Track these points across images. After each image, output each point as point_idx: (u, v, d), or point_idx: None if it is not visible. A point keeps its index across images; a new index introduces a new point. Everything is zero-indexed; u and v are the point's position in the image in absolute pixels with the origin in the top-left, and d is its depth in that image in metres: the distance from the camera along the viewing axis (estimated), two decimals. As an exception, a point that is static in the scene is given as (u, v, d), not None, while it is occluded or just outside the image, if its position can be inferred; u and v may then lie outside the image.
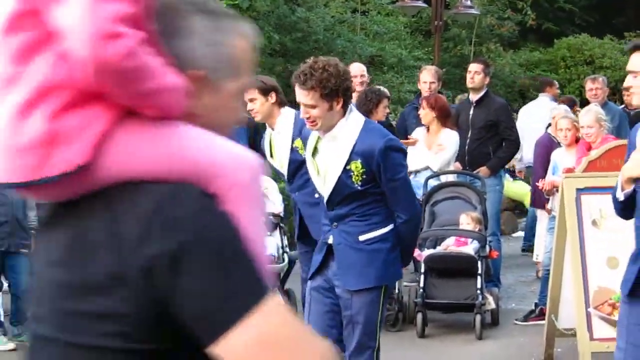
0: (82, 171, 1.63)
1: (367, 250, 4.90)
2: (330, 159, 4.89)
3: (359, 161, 4.79)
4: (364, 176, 4.80)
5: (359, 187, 4.83)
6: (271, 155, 7.16)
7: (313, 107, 4.77)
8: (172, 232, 1.60)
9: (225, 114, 1.82)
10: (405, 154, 5.13)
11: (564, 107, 10.26)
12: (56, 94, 1.62)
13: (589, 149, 7.94)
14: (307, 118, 4.83)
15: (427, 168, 8.92)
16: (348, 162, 4.81)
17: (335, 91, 4.75)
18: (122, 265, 1.61)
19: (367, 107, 8.28)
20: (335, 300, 5.01)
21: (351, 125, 4.87)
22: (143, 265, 1.60)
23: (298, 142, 6.59)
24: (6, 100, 1.64)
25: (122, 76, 1.61)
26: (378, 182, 4.84)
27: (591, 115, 8.07)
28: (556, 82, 13.88)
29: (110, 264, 1.62)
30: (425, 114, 8.95)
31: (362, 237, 4.91)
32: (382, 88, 9.41)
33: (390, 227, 4.94)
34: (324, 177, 4.90)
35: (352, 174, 4.81)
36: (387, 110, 8.45)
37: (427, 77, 9.88)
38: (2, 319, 7.96)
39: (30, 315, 1.86)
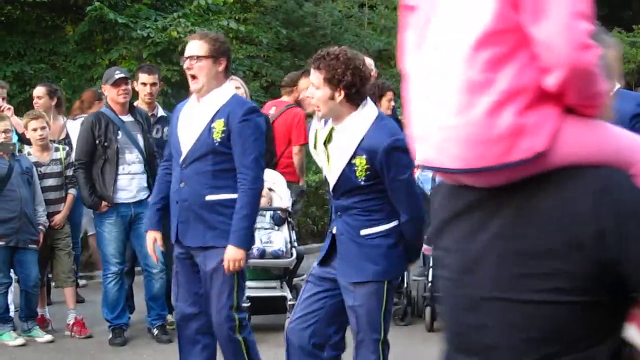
0: (537, 158, 1.99)
1: (368, 245, 4.92)
2: (338, 150, 4.90)
3: (363, 157, 4.79)
4: (368, 172, 4.80)
5: (362, 183, 4.83)
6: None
7: (317, 88, 4.82)
8: (618, 207, 1.97)
9: (606, 111, 2.15)
10: (410, 155, 5.07)
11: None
12: (521, 95, 1.98)
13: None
14: (311, 99, 4.90)
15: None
16: (353, 157, 4.81)
17: (338, 81, 4.75)
18: (578, 235, 1.96)
19: (372, 97, 8.25)
20: (328, 289, 5.04)
21: (362, 120, 4.87)
22: (597, 234, 1.95)
23: None
24: (480, 102, 1.98)
25: (587, 80, 1.98)
26: (382, 179, 4.84)
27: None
28: None
29: (567, 234, 1.97)
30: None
31: (363, 232, 4.92)
32: (385, 81, 9.37)
33: (393, 223, 4.94)
34: (331, 166, 4.91)
35: (356, 168, 4.81)
36: (393, 104, 8.39)
37: None
38: (12, 315, 7.99)
39: (449, 280, 2.21)
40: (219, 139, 5.42)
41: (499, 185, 2.06)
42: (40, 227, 7.93)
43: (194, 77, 5.49)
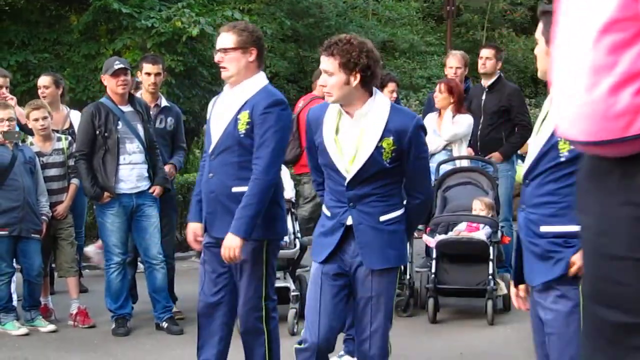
0: None
1: (387, 231, 4.93)
2: (362, 136, 4.90)
3: (391, 138, 4.82)
4: (393, 154, 4.84)
5: (388, 165, 4.85)
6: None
7: (331, 74, 4.81)
8: None
9: None
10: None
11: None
12: (639, 78, 2.16)
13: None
14: (324, 87, 4.90)
15: (439, 151, 8.93)
16: (381, 139, 4.84)
17: (354, 64, 4.77)
18: None
19: None
20: (346, 285, 5.01)
21: (381, 104, 4.91)
22: None
23: None
24: (603, 82, 2.18)
25: None
26: (403, 161, 4.89)
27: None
28: None
29: None
30: (443, 98, 8.94)
31: (382, 218, 4.93)
32: (390, 72, 9.37)
33: (403, 209, 4.99)
34: (352, 155, 4.91)
35: (383, 150, 4.83)
36: (395, 95, 8.38)
37: (454, 62, 9.85)
38: (15, 304, 8.00)
39: (588, 241, 2.39)
40: (243, 131, 5.40)
41: (627, 155, 2.26)
42: (43, 217, 7.93)
43: (224, 67, 5.50)
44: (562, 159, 3.90)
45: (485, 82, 9.59)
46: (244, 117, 5.40)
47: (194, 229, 5.78)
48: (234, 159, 5.46)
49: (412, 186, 4.99)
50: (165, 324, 7.81)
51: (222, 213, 5.50)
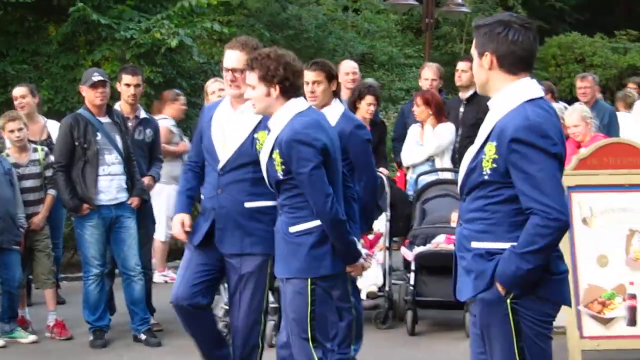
0: None
1: (294, 242, 5.02)
2: (264, 146, 5.13)
3: (277, 151, 4.95)
4: (283, 166, 4.94)
5: (281, 177, 4.96)
6: None
7: (253, 87, 5.03)
8: None
9: None
10: (316, 149, 4.95)
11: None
12: None
13: (579, 146, 7.97)
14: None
15: (422, 163, 8.97)
16: (272, 151, 4.99)
17: (272, 77, 4.97)
18: None
19: (352, 99, 8.30)
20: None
21: (283, 114, 5.02)
22: None
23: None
24: None
25: None
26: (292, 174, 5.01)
27: (576, 114, 8.09)
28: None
29: None
30: (421, 111, 8.99)
31: (291, 229, 5.03)
32: (374, 85, 9.37)
33: (318, 221, 5.00)
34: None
35: (274, 162, 4.97)
36: (373, 109, 8.37)
37: (429, 74, 9.91)
38: (-9, 316, 7.95)
39: None
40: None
41: None
42: (20, 229, 7.89)
43: (237, 85, 5.59)
44: (485, 177, 3.86)
45: (464, 95, 9.64)
46: (262, 136, 5.38)
47: (181, 219, 5.76)
48: (247, 175, 5.51)
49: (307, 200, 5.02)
50: (143, 336, 7.78)
51: (233, 229, 5.54)
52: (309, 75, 6.14)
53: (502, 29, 3.95)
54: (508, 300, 3.82)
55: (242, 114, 5.56)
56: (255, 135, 5.47)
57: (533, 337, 3.86)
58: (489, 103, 4.04)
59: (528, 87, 3.92)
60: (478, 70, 4.01)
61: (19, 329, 7.92)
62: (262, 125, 5.44)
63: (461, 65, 9.59)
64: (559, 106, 10.09)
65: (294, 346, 5.13)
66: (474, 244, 3.93)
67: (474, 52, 4.03)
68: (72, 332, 8.02)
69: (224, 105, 5.71)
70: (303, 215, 5.00)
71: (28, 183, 8.13)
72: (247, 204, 5.50)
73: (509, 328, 3.86)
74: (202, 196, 5.80)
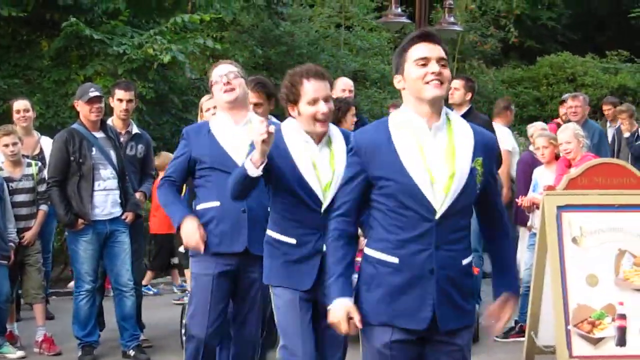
0: None
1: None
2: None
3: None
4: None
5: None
6: None
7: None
8: None
9: None
10: None
11: (540, 125, 10.30)
12: None
13: (569, 165, 7.99)
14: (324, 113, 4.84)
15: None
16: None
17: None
18: None
19: (336, 116, 8.30)
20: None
21: (335, 128, 5.02)
22: None
23: None
24: None
25: None
26: None
27: (568, 131, 8.12)
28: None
29: None
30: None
31: (269, 233, 5.09)
32: (345, 98, 9.33)
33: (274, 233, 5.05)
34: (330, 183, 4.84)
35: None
36: (355, 119, 8.36)
37: None
38: (-20, 331, 7.92)
39: None
40: None
41: None
42: (11, 244, 7.87)
43: (232, 87, 5.72)
44: (477, 192, 4.02)
45: (457, 112, 9.65)
46: None
47: (197, 224, 5.58)
48: None
49: None
50: (132, 352, 7.75)
51: (260, 230, 5.32)
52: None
53: None
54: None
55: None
56: None
57: None
58: (458, 118, 4.07)
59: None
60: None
61: (8, 344, 7.89)
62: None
63: (454, 83, 9.57)
64: (539, 125, 10.18)
65: None
66: (465, 262, 4.01)
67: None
68: (61, 348, 8.00)
69: (227, 120, 5.76)
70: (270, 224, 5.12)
71: (21, 197, 8.12)
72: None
73: None
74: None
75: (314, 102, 4.81)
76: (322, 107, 4.81)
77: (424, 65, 3.87)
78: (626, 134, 12.58)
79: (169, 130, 13.54)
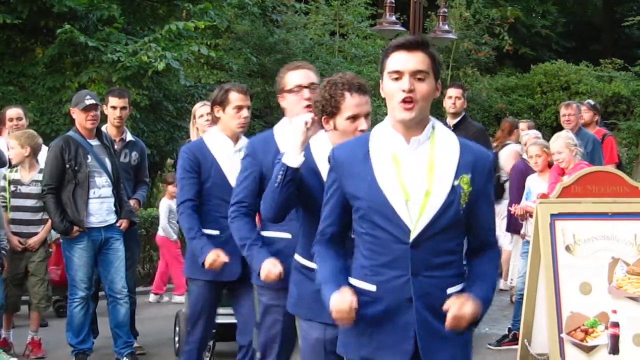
0: None
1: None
2: None
3: None
4: None
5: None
6: None
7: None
8: None
9: None
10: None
11: (533, 133, 10.32)
12: None
13: (562, 174, 8.00)
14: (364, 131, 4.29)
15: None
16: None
17: None
18: None
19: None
20: None
21: None
22: None
23: None
24: None
25: None
26: None
27: (560, 141, 8.13)
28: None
29: None
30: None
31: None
32: None
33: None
34: None
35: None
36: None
37: None
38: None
39: None
40: None
41: None
42: (2, 251, 7.84)
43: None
44: (461, 213, 3.66)
45: (451, 121, 9.64)
46: None
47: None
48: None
49: None
50: (125, 359, 7.75)
51: None
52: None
53: None
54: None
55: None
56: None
57: None
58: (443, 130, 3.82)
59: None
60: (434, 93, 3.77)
61: (1, 351, 7.87)
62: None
63: (453, 92, 9.48)
64: (533, 133, 10.20)
65: None
66: (450, 290, 3.62)
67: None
68: (54, 355, 7.99)
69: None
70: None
71: (27, 202, 8.08)
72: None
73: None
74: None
75: (354, 118, 4.32)
76: (363, 125, 4.31)
77: (397, 79, 3.58)
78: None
79: (163, 138, 13.55)
